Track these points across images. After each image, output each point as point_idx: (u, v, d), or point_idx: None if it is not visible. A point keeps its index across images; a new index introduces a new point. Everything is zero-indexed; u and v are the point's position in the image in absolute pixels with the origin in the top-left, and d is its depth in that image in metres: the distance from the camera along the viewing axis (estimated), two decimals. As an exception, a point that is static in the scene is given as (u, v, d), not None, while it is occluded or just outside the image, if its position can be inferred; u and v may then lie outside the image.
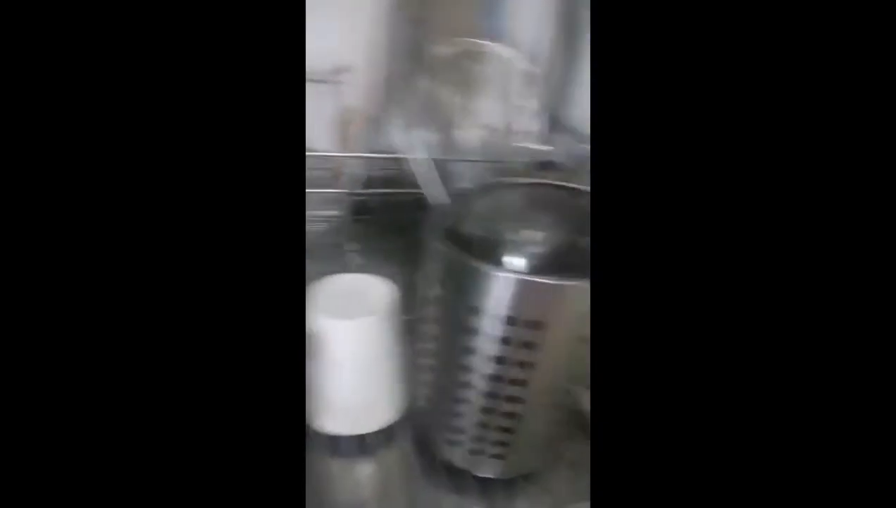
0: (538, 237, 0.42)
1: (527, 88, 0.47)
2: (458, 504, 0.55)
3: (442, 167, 0.42)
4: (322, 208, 0.60)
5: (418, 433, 0.58)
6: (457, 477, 0.56)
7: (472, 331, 0.41)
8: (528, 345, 0.40)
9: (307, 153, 0.38)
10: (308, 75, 0.43)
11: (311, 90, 0.39)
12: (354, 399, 0.55)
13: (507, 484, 0.56)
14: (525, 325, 0.39)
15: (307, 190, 0.29)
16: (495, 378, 0.42)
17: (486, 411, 0.46)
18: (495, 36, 0.48)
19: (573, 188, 0.41)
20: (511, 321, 0.39)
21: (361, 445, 0.57)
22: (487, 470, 0.54)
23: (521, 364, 0.41)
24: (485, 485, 0.56)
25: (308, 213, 0.36)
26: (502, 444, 0.49)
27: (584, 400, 0.50)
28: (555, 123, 0.61)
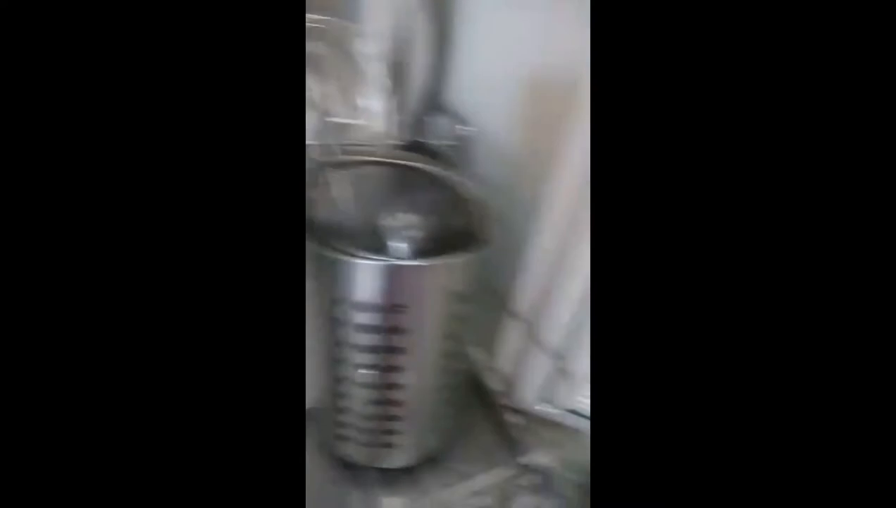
0: (398, 222, 0.42)
1: (376, 71, 0.46)
2: (363, 499, 0.54)
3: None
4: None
5: (316, 432, 0.56)
6: (358, 472, 0.56)
7: (341, 323, 0.40)
8: (396, 331, 0.39)
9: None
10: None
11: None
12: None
13: (411, 471, 0.56)
14: (391, 310, 0.38)
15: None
16: (365, 367, 0.42)
17: (371, 402, 0.45)
18: (351, 17, 0.47)
19: (435, 172, 0.40)
20: (376, 308, 0.38)
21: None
22: (386, 461, 0.53)
23: (394, 350, 0.41)
24: (388, 476, 0.56)
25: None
26: (394, 433, 0.48)
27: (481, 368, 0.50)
28: (433, 106, 0.61)
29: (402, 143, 0.48)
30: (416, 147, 0.48)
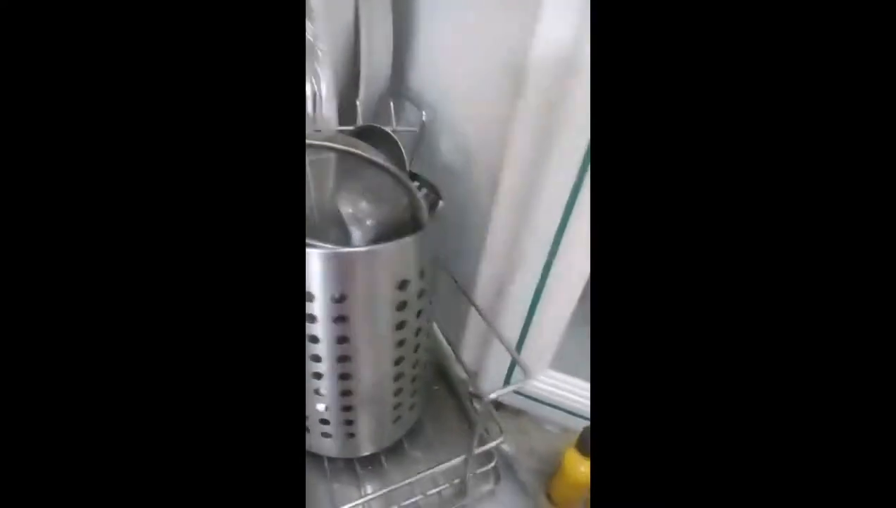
0: (346, 209, 0.41)
1: (327, 57, 0.45)
2: (328, 491, 0.54)
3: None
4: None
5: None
6: (322, 465, 0.56)
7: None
8: (339, 319, 0.39)
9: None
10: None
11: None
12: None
13: (373, 459, 0.56)
14: (331, 300, 0.38)
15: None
16: (316, 359, 0.41)
17: (324, 394, 0.45)
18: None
19: (380, 159, 0.40)
20: (312, 297, 0.37)
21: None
22: (347, 451, 0.53)
23: (339, 340, 0.40)
24: (352, 465, 0.56)
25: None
26: (352, 423, 0.48)
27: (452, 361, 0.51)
28: (394, 95, 0.60)
29: (352, 129, 0.48)
30: (367, 133, 0.47)
